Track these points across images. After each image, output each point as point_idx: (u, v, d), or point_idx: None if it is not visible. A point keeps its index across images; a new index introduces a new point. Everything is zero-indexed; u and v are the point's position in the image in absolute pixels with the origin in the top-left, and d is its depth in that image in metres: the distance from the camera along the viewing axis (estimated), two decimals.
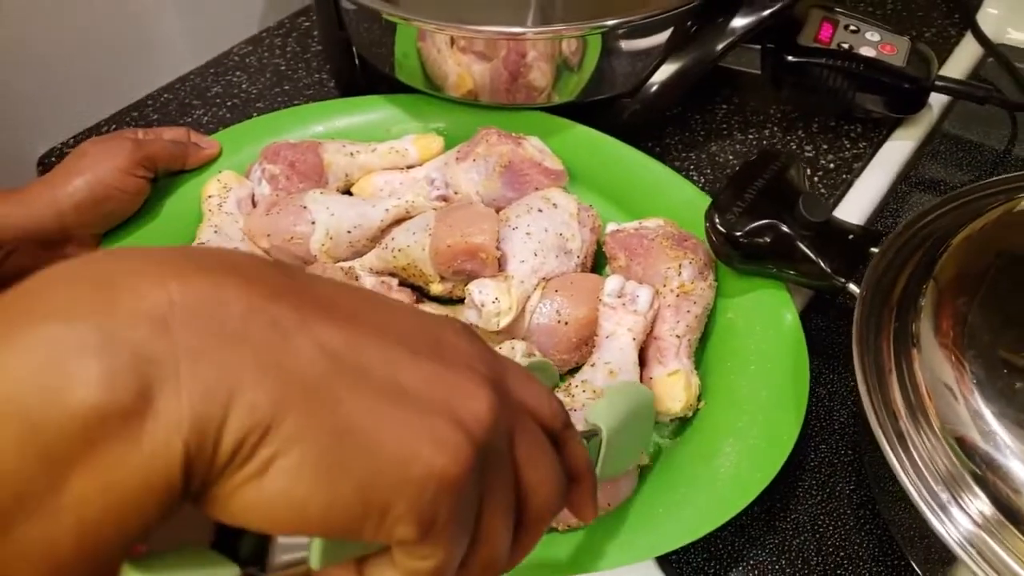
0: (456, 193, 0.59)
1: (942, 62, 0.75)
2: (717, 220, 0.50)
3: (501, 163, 0.58)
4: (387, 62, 0.65)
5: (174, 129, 0.62)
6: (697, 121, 0.70)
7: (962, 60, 0.75)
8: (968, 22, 0.77)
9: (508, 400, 0.26)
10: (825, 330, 0.54)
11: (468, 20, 0.66)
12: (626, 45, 0.61)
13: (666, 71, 0.64)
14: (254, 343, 0.22)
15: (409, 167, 0.62)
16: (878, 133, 0.68)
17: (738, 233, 0.49)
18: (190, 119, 0.72)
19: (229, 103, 0.74)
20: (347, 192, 0.62)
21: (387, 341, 0.24)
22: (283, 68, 0.77)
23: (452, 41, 0.60)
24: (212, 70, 0.77)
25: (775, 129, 0.69)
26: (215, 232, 0.55)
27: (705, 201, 0.57)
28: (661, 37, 0.62)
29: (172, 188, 0.60)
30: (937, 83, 0.65)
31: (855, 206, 0.62)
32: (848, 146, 0.67)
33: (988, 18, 0.78)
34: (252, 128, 0.65)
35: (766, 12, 0.62)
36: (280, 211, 0.56)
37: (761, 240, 0.49)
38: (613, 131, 0.64)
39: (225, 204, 0.58)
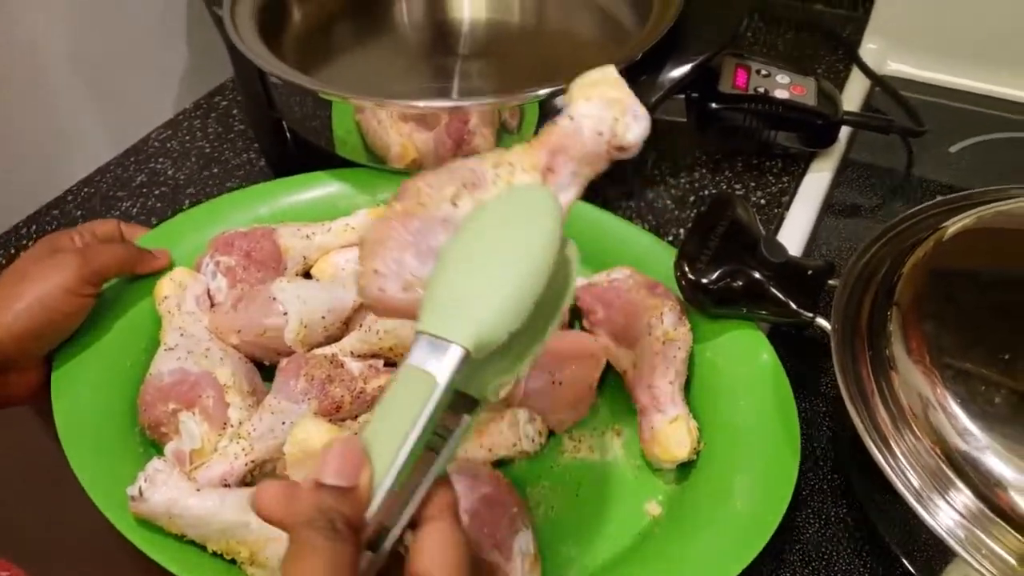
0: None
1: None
2: (687, 270, 0.52)
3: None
4: (323, 137, 0.65)
5: (104, 222, 0.59)
6: (630, 170, 0.73)
7: (855, 92, 0.81)
8: (852, 57, 0.84)
9: None
10: (785, 360, 0.57)
11: (393, 91, 0.67)
12: None
13: None
14: None
15: None
16: (797, 167, 0.73)
17: (707, 281, 0.52)
18: (117, 211, 0.70)
19: (157, 191, 0.71)
20: (306, 275, 0.61)
21: None
22: (208, 150, 0.75)
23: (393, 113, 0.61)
24: (132, 159, 0.74)
25: (704, 171, 0.73)
26: (181, 335, 0.53)
27: (662, 247, 0.60)
28: None
29: (120, 293, 0.57)
30: (845, 117, 0.71)
31: (791, 239, 0.66)
32: (773, 181, 0.72)
33: (869, 52, 0.85)
34: (193, 218, 0.63)
35: (692, 64, 0.66)
36: (248, 305, 0.55)
37: (730, 285, 0.52)
38: None
39: (184, 303, 0.56)
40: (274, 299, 0.54)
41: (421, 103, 0.60)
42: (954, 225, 0.51)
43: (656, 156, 0.74)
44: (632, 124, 0.43)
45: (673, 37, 0.66)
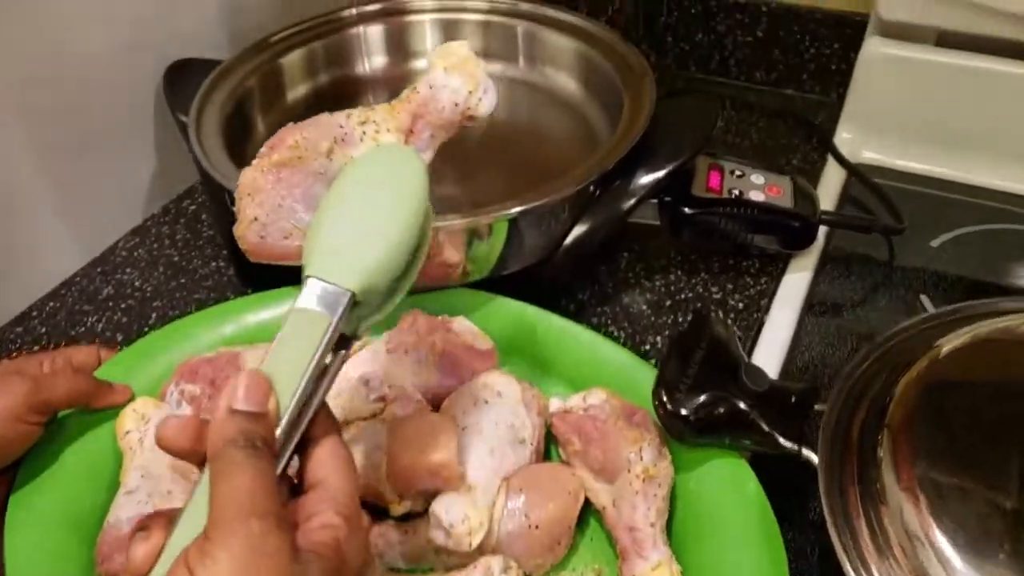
0: (391, 387, 0.57)
1: (814, 187, 0.81)
2: (666, 400, 0.51)
3: (434, 352, 0.57)
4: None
5: (83, 350, 0.58)
6: (604, 273, 0.72)
7: (831, 183, 0.81)
8: (827, 146, 0.84)
9: None
10: (770, 487, 0.55)
11: None
12: (534, 222, 0.62)
13: (576, 234, 0.65)
14: None
15: None
16: (775, 267, 0.72)
17: (687, 412, 0.50)
18: (83, 328, 0.68)
19: (123, 305, 0.70)
20: None
21: None
22: (176, 259, 0.74)
23: None
24: (99, 269, 0.73)
25: (679, 273, 0.72)
26: (142, 476, 0.51)
27: (639, 365, 0.58)
28: (568, 209, 0.63)
29: (84, 424, 0.55)
30: (823, 217, 0.70)
31: (772, 345, 0.65)
32: (751, 283, 0.71)
33: (844, 141, 0.85)
34: (156, 342, 0.61)
35: (664, 172, 0.65)
36: None
37: (712, 415, 0.50)
38: (530, 296, 0.65)
39: (146, 438, 0.54)
40: None
41: None
42: (949, 344, 0.50)
43: (630, 258, 0.74)
44: (484, 98, 0.52)
45: (645, 142, 0.66)
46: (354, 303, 0.39)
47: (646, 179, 0.66)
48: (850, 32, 0.87)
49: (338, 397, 0.56)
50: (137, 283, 0.71)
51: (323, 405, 0.40)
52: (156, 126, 0.77)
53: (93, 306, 0.70)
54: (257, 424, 0.36)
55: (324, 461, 0.38)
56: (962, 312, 0.55)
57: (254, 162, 0.53)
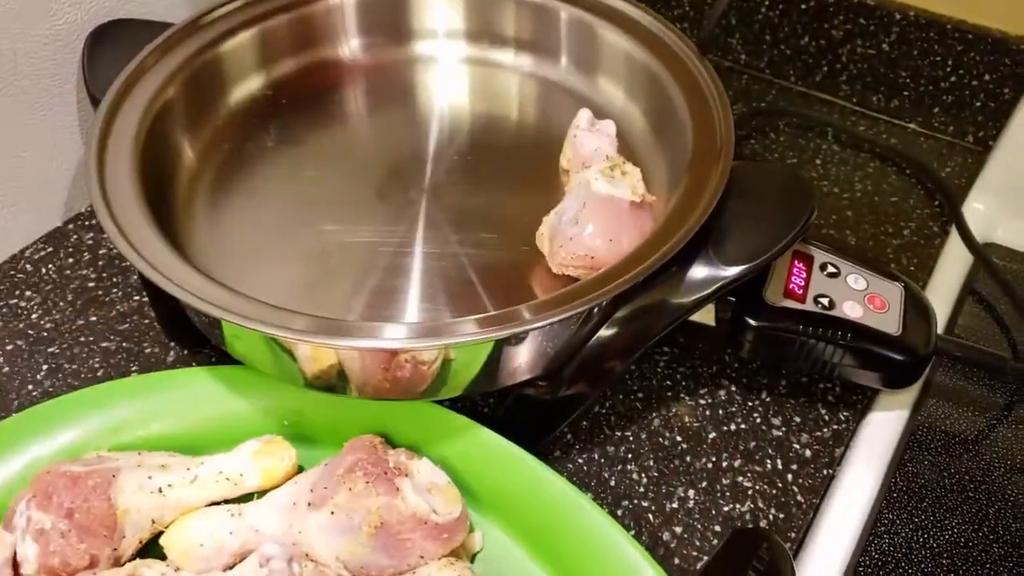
0: (307, 556, 0.42)
1: (928, 271, 0.61)
2: None
3: (371, 523, 0.41)
4: (217, 338, 0.47)
5: None
6: (634, 376, 0.55)
7: (950, 271, 0.61)
8: (953, 216, 0.64)
9: None
10: None
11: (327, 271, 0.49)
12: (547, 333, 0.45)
13: (596, 342, 0.48)
14: None
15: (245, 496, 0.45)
16: (861, 397, 0.54)
17: None
18: None
19: (9, 346, 0.54)
20: (157, 536, 0.44)
21: None
22: (92, 284, 0.58)
23: None
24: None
25: (733, 389, 0.54)
26: None
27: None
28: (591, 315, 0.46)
29: None
30: (939, 347, 0.51)
31: (840, 522, 0.48)
32: (826, 418, 0.53)
33: (975, 214, 0.64)
34: (23, 427, 0.46)
35: (735, 271, 0.46)
36: None
37: None
38: (531, 409, 0.48)
39: None
40: None
41: (349, 341, 0.41)
42: None
43: (672, 356, 0.56)
44: None
45: (711, 223, 0.47)
46: None
47: (703, 276, 0.48)
48: (1008, 63, 0.66)
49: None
50: (35, 315, 0.56)
51: None
52: (81, 100, 0.60)
53: None
54: None
55: None
56: None
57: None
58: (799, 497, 0.49)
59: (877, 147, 0.70)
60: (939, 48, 0.67)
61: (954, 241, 0.63)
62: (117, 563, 0.42)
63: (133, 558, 0.43)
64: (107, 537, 0.42)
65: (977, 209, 0.64)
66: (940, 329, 0.52)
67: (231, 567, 0.42)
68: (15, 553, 0.42)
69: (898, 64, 0.70)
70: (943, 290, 0.60)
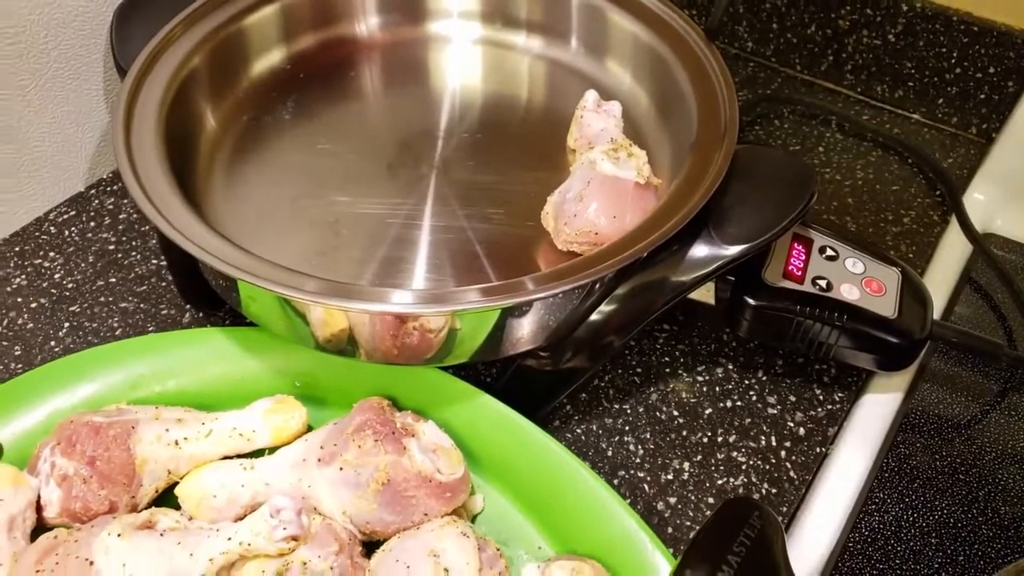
0: (316, 510, 0.44)
1: (927, 259, 0.63)
2: None
3: (378, 479, 0.43)
4: (233, 300, 0.49)
5: None
6: (633, 351, 0.56)
7: (949, 259, 0.63)
8: (954, 206, 0.65)
9: None
10: None
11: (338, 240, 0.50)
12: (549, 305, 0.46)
13: (596, 318, 0.49)
14: None
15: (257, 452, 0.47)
16: (856, 378, 0.55)
17: None
18: None
19: (33, 304, 0.56)
20: (172, 486, 0.46)
21: None
22: (112, 247, 0.60)
23: None
24: (16, 248, 0.59)
25: (730, 367, 0.56)
26: None
27: (653, 545, 0.43)
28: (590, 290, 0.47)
29: None
30: (935, 332, 0.52)
31: (831, 501, 0.50)
32: (821, 398, 0.54)
33: (976, 204, 0.66)
34: (36, 382, 0.48)
35: (735, 250, 0.48)
36: (57, 565, 0.40)
37: None
38: (532, 379, 0.50)
39: None
40: (91, 563, 0.40)
41: (359, 304, 0.43)
42: None
43: (671, 332, 0.57)
44: None
45: (712, 203, 0.48)
46: None
47: (703, 254, 0.49)
48: (1012, 56, 0.67)
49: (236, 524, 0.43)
50: (57, 275, 0.58)
51: None
52: (108, 70, 0.62)
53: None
54: None
55: None
56: None
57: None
58: (792, 473, 0.51)
59: (880, 136, 0.71)
60: (944, 40, 0.68)
61: (953, 230, 0.64)
62: (134, 510, 0.44)
63: (149, 506, 0.45)
64: (126, 485, 0.44)
65: (978, 199, 0.65)
66: (937, 316, 0.53)
67: (241, 518, 0.44)
68: (39, 497, 0.44)
69: (903, 55, 0.71)
70: (941, 278, 0.61)
